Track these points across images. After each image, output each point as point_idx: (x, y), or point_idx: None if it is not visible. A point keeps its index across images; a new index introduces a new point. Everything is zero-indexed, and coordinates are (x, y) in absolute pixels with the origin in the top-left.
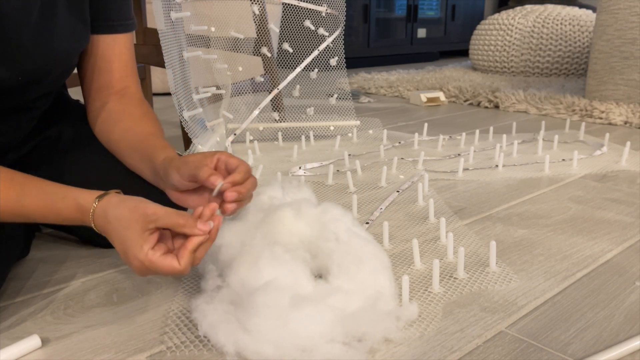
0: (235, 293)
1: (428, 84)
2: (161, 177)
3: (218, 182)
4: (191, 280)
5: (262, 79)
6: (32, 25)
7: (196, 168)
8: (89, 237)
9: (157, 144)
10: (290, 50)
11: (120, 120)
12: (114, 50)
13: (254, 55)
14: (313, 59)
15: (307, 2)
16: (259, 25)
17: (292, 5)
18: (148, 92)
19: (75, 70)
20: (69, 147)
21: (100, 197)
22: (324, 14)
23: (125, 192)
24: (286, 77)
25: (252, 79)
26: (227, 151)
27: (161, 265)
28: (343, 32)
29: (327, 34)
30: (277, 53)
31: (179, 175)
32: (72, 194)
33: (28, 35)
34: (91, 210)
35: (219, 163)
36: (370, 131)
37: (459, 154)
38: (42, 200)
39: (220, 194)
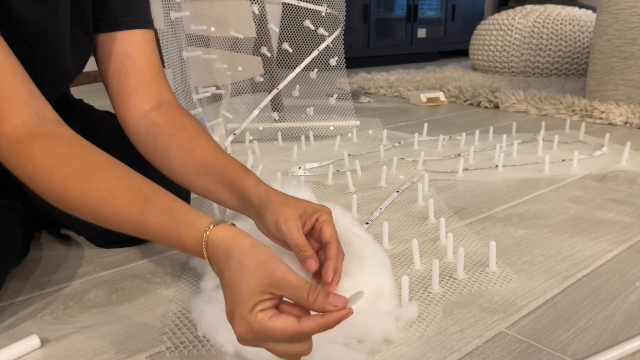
0: None
1: (428, 84)
2: (254, 211)
3: (312, 269)
4: (190, 280)
5: (262, 79)
6: (68, 40)
7: (289, 232)
8: (89, 237)
9: (233, 165)
10: (290, 50)
11: (174, 136)
12: (138, 47)
13: (254, 55)
14: (313, 59)
15: (307, 2)
16: (259, 25)
17: (292, 5)
18: None
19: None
20: None
21: (215, 224)
22: (323, 14)
23: None
24: (286, 77)
25: (252, 79)
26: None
27: (273, 326)
28: (343, 32)
29: (327, 34)
30: (277, 53)
31: (266, 229)
32: (193, 217)
33: (64, 50)
34: (204, 237)
35: (314, 228)
36: (370, 131)
37: (459, 154)
38: (166, 220)
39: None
